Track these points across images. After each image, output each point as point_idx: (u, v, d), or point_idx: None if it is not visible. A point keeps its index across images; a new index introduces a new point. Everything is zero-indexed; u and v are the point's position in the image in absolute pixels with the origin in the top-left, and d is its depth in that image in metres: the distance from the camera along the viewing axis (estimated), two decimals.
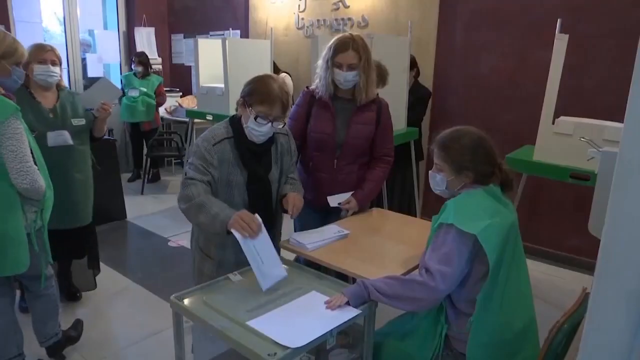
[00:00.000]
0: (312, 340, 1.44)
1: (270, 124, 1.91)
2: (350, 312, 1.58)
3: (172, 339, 1.72)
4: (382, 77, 3.14)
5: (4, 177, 1.96)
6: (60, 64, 2.65)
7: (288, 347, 1.39)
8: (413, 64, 4.07)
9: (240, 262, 1.94)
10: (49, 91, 2.64)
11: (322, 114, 2.35)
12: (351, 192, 2.37)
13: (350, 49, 2.23)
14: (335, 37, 2.30)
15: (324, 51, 2.31)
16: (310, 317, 1.57)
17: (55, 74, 2.60)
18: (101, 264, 3.57)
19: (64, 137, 2.62)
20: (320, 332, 1.47)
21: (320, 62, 2.33)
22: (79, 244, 2.91)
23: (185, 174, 1.93)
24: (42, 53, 2.56)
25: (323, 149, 2.36)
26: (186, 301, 1.66)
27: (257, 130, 1.92)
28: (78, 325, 2.64)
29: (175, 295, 1.67)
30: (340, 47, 2.24)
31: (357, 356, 1.78)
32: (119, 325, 2.85)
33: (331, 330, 1.50)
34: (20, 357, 2.29)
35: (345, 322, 1.55)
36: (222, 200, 1.89)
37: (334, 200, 2.34)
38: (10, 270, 2.09)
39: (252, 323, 1.51)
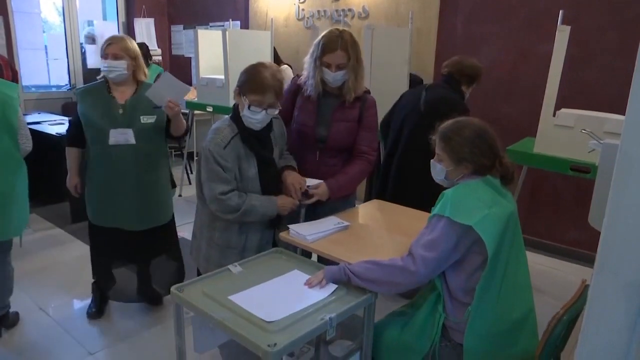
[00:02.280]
0: (288, 315, 1.50)
1: (264, 111, 2.00)
2: (328, 289, 1.66)
3: (173, 330, 1.73)
4: (475, 78, 2.95)
5: (16, 145, 2.31)
6: (132, 57, 2.52)
7: (268, 322, 1.46)
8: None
9: (263, 246, 2.14)
10: (124, 85, 2.53)
11: (305, 106, 2.33)
12: (322, 181, 2.25)
13: (339, 48, 2.16)
14: (323, 34, 2.23)
15: (311, 47, 2.26)
16: (289, 293, 1.65)
17: (116, 69, 2.47)
18: None
19: (125, 136, 2.49)
20: (297, 308, 1.54)
21: (307, 59, 2.28)
22: (144, 246, 2.75)
23: (210, 188, 2.00)
24: (105, 47, 2.50)
25: (305, 141, 2.33)
26: (186, 292, 1.67)
27: (252, 118, 2.00)
28: (15, 316, 2.77)
29: (175, 287, 1.68)
30: (328, 47, 2.18)
31: (357, 347, 1.79)
32: (120, 316, 2.86)
33: (309, 306, 1.56)
34: None
35: (322, 299, 1.60)
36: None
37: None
38: (17, 232, 2.45)
39: (233, 298, 1.59)
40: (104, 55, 2.49)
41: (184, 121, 2.62)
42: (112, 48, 2.49)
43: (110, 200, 2.59)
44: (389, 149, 3.02)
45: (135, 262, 2.83)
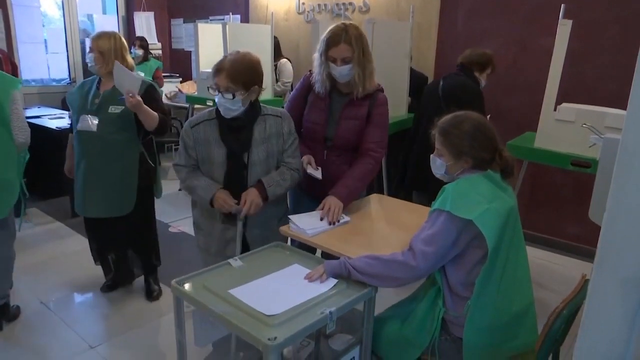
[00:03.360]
0: (288, 309, 1.51)
1: (220, 94, 2.02)
2: (328, 283, 1.67)
3: (173, 323, 1.73)
4: (486, 64, 3.22)
5: (9, 134, 2.46)
6: (100, 52, 2.64)
7: (269, 315, 1.46)
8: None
9: (227, 235, 2.19)
10: (105, 77, 2.70)
11: (316, 103, 2.30)
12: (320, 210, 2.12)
13: (342, 41, 2.13)
14: (328, 29, 2.19)
15: (318, 44, 2.22)
16: (289, 287, 1.65)
17: (89, 62, 2.67)
18: None
19: (87, 122, 2.62)
20: (297, 302, 1.54)
21: (316, 55, 2.24)
22: (113, 234, 2.87)
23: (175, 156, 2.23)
24: None
25: (313, 139, 2.31)
26: (187, 286, 1.67)
27: (215, 100, 2.08)
28: (15, 307, 2.80)
29: (176, 280, 1.68)
30: (332, 41, 2.15)
31: (357, 341, 1.80)
32: (121, 310, 2.87)
33: (309, 300, 1.56)
34: None
35: (323, 293, 1.61)
36: (205, 175, 2.16)
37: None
38: (3, 213, 2.52)
39: (234, 291, 1.59)
40: None
41: (154, 114, 2.60)
42: (91, 42, 2.68)
43: (78, 187, 2.76)
44: (411, 138, 3.24)
45: (113, 251, 2.98)
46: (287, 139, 2.18)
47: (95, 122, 2.62)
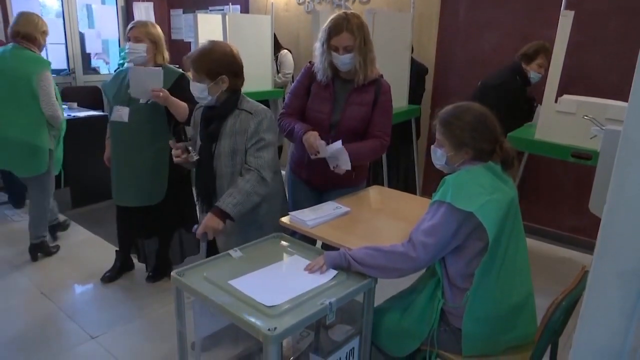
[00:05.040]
0: (288, 300, 1.51)
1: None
2: (328, 274, 1.68)
3: (174, 314, 1.74)
4: (533, 55, 3.31)
5: (38, 107, 2.95)
6: (152, 41, 2.63)
7: (269, 306, 1.47)
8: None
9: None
10: (147, 67, 2.64)
11: (321, 92, 2.30)
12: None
13: (344, 30, 2.14)
14: (330, 18, 2.21)
15: (320, 33, 2.23)
16: (289, 278, 1.66)
17: (135, 51, 2.61)
18: (103, 241, 3.61)
19: (119, 112, 2.68)
20: (297, 293, 1.55)
21: (317, 45, 2.25)
22: (141, 223, 2.92)
23: None
24: (128, 31, 2.66)
25: (318, 128, 2.29)
26: (187, 277, 1.67)
27: None
28: (55, 247, 3.43)
29: (176, 271, 1.69)
30: (334, 30, 2.16)
31: (357, 332, 1.81)
32: (121, 301, 2.88)
33: (309, 290, 1.57)
34: None
35: (322, 284, 1.62)
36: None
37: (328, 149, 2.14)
38: (36, 171, 3.09)
39: (234, 282, 1.60)
40: (127, 38, 2.66)
41: (183, 105, 2.59)
42: (133, 31, 2.63)
43: (113, 176, 2.84)
44: None
45: (137, 237, 3.03)
46: (251, 137, 2.10)
47: (126, 112, 2.65)
